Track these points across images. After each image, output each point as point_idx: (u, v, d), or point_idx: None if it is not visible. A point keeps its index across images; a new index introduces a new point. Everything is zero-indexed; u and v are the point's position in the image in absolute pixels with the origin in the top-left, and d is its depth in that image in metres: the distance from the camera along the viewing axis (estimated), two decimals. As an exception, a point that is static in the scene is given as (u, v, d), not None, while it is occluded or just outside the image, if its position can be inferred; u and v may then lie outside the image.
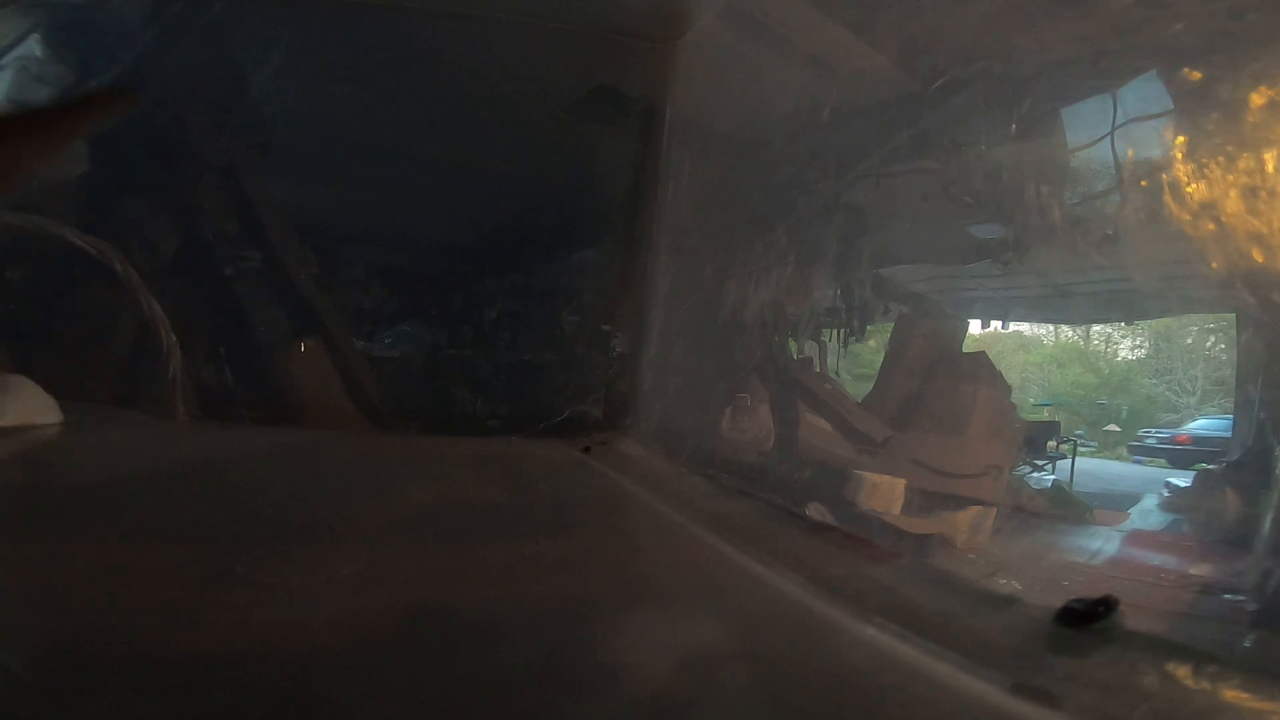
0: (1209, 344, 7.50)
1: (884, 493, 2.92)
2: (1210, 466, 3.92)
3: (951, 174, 3.11)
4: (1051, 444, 4.97)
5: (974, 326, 5.11)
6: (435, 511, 1.25)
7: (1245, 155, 2.31)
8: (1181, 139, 2.51)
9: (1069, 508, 3.83)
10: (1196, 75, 2.34)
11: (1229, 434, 3.78)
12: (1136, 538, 3.27)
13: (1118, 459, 6.71)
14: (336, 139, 3.00)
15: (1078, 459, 5.16)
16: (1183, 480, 3.91)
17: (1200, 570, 2.58)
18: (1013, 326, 6.42)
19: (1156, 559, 2.83)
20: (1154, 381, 8.31)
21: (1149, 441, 6.22)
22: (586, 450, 1.98)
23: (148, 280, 1.92)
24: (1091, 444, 7.02)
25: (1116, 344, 9.01)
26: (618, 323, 2.60)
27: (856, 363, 4.67)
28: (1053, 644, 0.88)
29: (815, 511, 2.33)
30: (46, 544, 0.85)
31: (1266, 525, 2.48)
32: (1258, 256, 2.31)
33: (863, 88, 2.80)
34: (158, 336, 1.88)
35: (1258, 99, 2.21)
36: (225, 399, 2.39)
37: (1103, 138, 2.78)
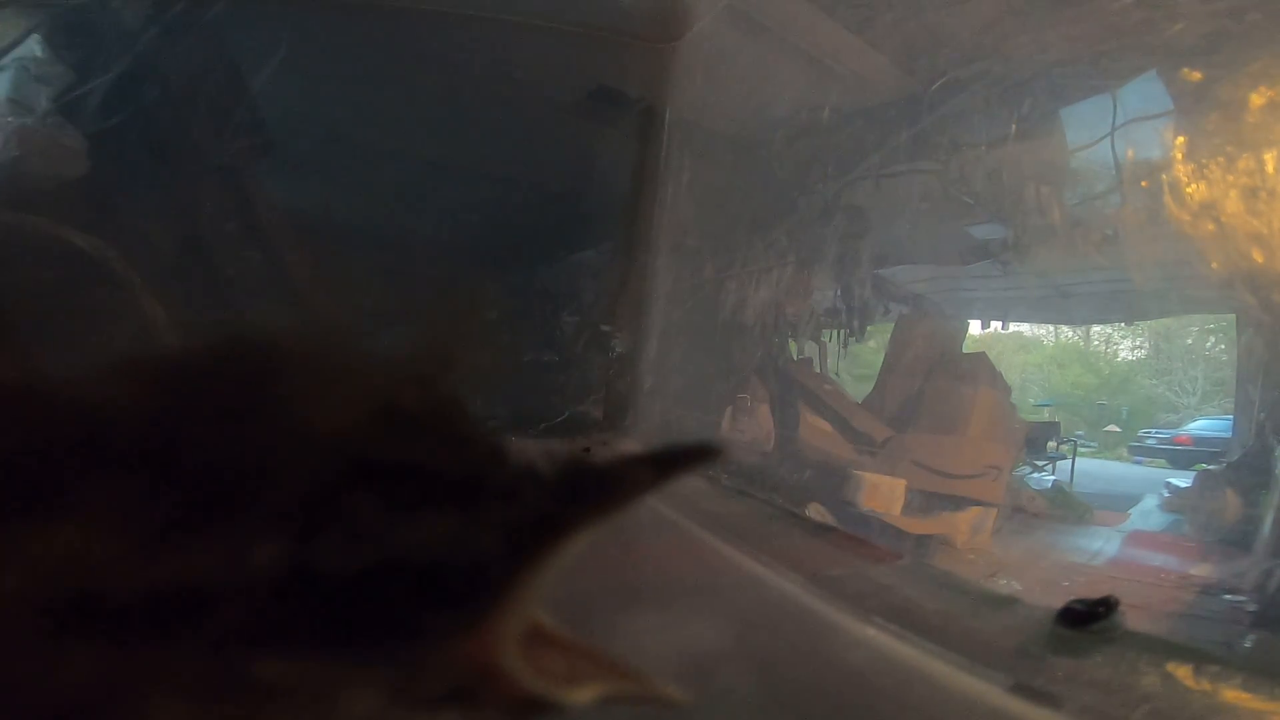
0: (1209, 344, 7.51)
1: (884, 493, 2.92)
2: (1210, 467, 3.91)
3: (951, 174, 3.11)
4: (1052, 444, 4.97)
5: (974, 327, 5.11)
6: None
7: (1245, 155, 2.31)
8: (1181, 139, 2.51)
9: (1069, 508, 3.83)
10: (1196, 75, 2.34)
11: (1229, 434, 3.77)
12: (1136, 538, 3.27)
13: (1118, 459, 6.70)
14: (336, 139, 3.00)
15: (1078, 459, 5.16)
16: (1183, 480, 3.90)
17: (1200, 571, 2.58)
18: (1013, 327, 6.42)
19: (1157, 559, 2.83)
20: (1154, 382, 8.31)
21: (1149, 442, 6.22)
22: (586, 450, 1.98)
23: (148, 280, 1.92)
24: (1091, 444, 7.02)
25: (1116, 344, 9.02)
26: (618, 323, 2.60)
27: (856, 363, 4.67)
28: (1053, 644, 0.88)
29: (815, 512, 2.33)
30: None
31: (1266, 525, 2.48)
32: (1258, 257, 2.31)
33: (863, 88, 2.80)
34: (157, 336, 1.88)
35: (1258, 99, 2.21)
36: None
37: (1103, 138, 2.78)
